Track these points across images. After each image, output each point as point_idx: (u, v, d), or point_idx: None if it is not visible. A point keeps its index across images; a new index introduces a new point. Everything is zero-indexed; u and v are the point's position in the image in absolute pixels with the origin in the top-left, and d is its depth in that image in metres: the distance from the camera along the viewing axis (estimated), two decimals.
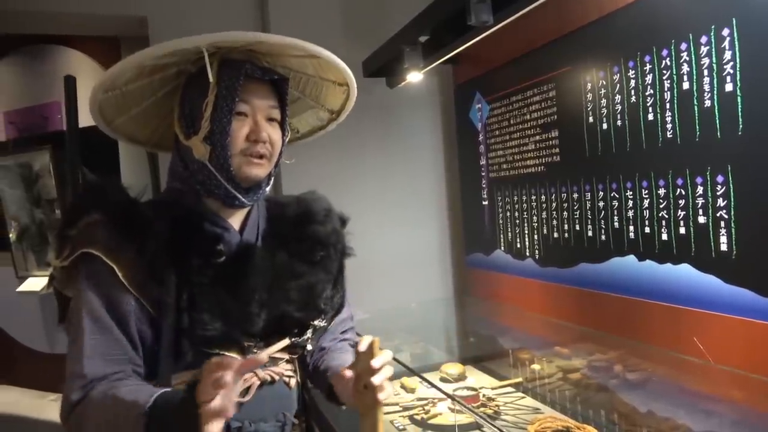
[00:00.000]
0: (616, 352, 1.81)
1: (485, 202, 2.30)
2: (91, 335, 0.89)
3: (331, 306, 1.11)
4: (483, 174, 2.30)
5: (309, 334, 1.06)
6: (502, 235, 2.21)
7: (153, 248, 0.92)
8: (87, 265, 0.91)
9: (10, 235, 3.83)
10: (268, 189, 1.07)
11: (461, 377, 2.13)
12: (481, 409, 1.82)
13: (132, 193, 1.00)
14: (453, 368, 2.15)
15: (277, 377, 1.04)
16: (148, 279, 0.91)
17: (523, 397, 1.95)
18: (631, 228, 1.57)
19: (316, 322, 1.07)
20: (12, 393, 3.96)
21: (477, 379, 2.13)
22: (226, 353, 0.95)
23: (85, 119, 3.40)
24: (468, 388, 1.95)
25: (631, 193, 1.56)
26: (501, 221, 2.21)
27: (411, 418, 1.83)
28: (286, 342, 1.02)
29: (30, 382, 3.97)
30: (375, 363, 0.91)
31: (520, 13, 1.45)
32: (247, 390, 0.99)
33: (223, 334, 0.94)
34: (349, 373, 0.95)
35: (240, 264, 0.99)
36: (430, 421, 1.79)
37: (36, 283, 3.67)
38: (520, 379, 2.05)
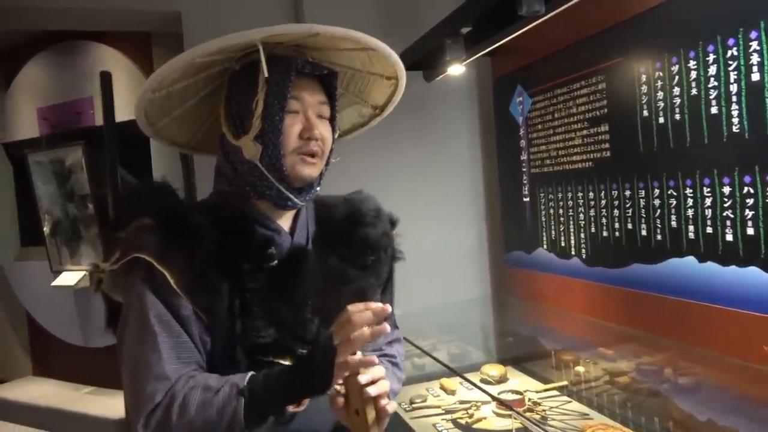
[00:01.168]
0: (665, 355, 1.74)
1: (526, 199, 2.23)
2: (163, 337, 0.87)
3: None
4: (524, 170, 2.22)
5: None
6: (544, 233, 2.14)
7: (203, 255, 0.89)
8: (141, 269, 0.89)
9: (44, 230, 3.88)
10: (319, 188, 1.03)
11: (503, 379, 2.07)
12: (527, 413, 1.76)
13: (181, 196, 0.98)
14: (494, 369, 2.10)
15: None
16: (199, 286, 0.88)
17: (569, 401, 1.88)
18: (691, 228, 1.49)
19: None
20: (47, 385, 4.03)
21: (519, 381, 2.07)
22: (281, 361, 0.93)
23: (117, 115, 3.40)
24: (513, 392, 1.90)
25: (690, 191, 1.48)
26: (543, 218, 2.13)
27: (454, 422, 1.78)
28: None
29: (65, 374, 4.03)
30: (362, 379, 0.84)
31: (574, 1, 1.38)
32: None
33: (276, 341, 0.92)
34: (340, 400, 0.88)
35: (292, 268, 0.97)
36: (475, 426, 1.74)
37: (70, 277, 3.72)
38: (565, 383, 1.98)
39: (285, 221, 1.02)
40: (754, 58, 1.28)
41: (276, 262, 0.95)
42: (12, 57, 3.99)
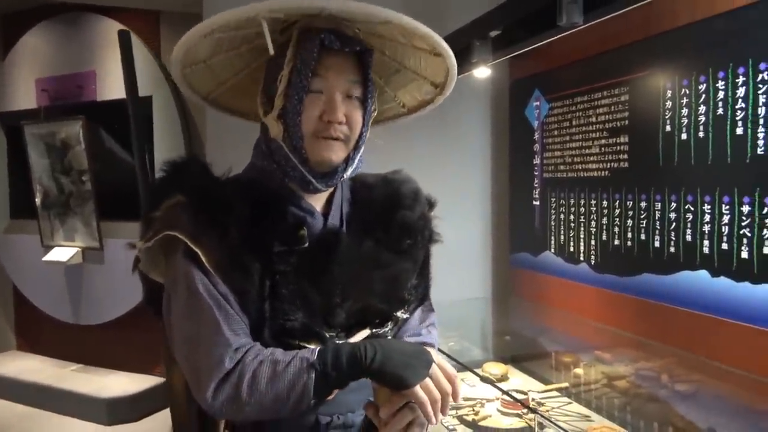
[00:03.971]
0: (664, 361, 1.79)
1: (536, 202, 2.26)
2: (216, 309, 0.87)
3: (415, 296, 1.07)
4: (536, 173, 2.26)
5: (390, 326, 1.02)
6: (553, 237, 2.18)
7: (236, 234, 0.88)
8: (181, 245, 0.88)
9: (36, 202, 3.82)
10: (348, 174, 0.99)
11: (504, 378, 2.12)
12: (531, 414, 1.80)
13: (216, 173, 0.96)
14: (496, 368, 2.14)
15: None
16: (231, 265, 0.88)
17: (570, 403, 1.93)
18: (706, 243, 1.54)
19: (398, 314, 1.03)
20: (32, 361, 3.98)
21: (521, 380, 2.12)
22: (307, 345, 0.92)
23: (117, 92, 3.35)
24: (517, 391, 1.94)
25: (708, 207, 1.52)
26: (553, 223, 2.17)
27: (460, 418, 1.82)
28: (366, 333, 0.98)
29: (50, 351, 3.99)
30: (382, 414, 0.87)
31: (612, 15, 1.40)
32: None
33: (304, 325, 0.91)
34: (372, 410, 0.91)
35: (324, 251, 0.95)
36: (481, 423, 1.78)
37: (62, 253, 3.67)
38: (565, 384, 2.04)
39: (318, 201, 1.00)
40: None
41: (307, 244, 0.93)
42: (10, 24, 3.90)
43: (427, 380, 0.84)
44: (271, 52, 0.88)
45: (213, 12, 0.87)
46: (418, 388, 0.83)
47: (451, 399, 0.86)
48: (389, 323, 1.01)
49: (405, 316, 1.04)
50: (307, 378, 0.83)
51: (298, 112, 0.89)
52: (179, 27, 3.13)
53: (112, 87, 3.39)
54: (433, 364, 0.86)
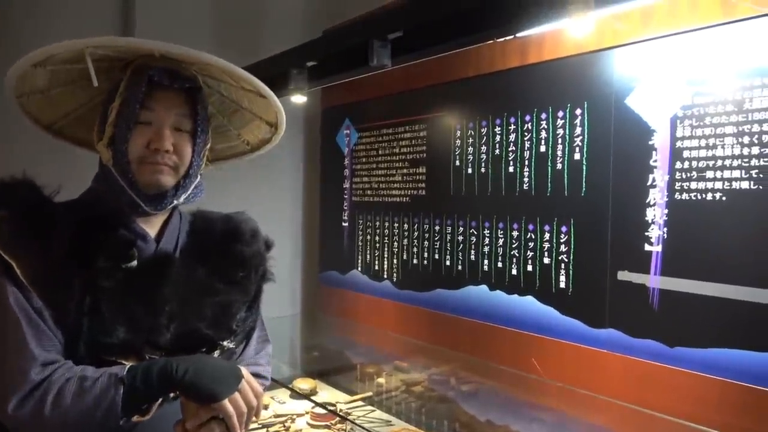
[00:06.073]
0: (452, 366, 2.06)
1: (345, 224, 2.41)
2: (25, 323, 0.88)
3: (242, 328, 1.11)
4: (346, 197, 2.41)
5: (216, 354, 1.05)
6: (360, 257, 2.34)
7: (56, 249, 0.91)
8: None
9: None
10: (180, 201, 1.04)
11: (313, 392, 2.20)
12: (340, 424, 1.91)
13: (47, 192, 0.97)
14: (305, 383, 2.21)
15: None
16: (48, 280, 0.90)
17: (373, 411, 2.09)
18: (486, 261, 1.81)
19: (225, 343, 1.06)
20: None
21: (329, 394, 2.22)
22: (124, 362, 0.93)
23: None
24: (327, 404, 2.03)
25: (488, 231, 1.81)
26: (360, 243, 2.34)
27: None
28: None
29: None
30: (188, 426, 0.91)
31: (416, 61, 1.60)
32: (148, 408, 0.95)
33: (124, 342, 0.93)
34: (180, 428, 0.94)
35: (154, 273, 0.98)
36: None
37: None
38: (369, 393, 2.19)
39: (152, 227, 1.04)
40: (543, 134, 1.64)
41: (135, 263, 0.97)
42: None
43: (236, 394, 0.89)
44: (95, 83, 0.95)
45: None
46: (226, 402, 0.88)
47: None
48: (215, 352, 1.04)
49: (231, 345, 1.08)
50: (114, 393, 0.85)
51: (126, 139, 0.95)
52: None
53: None
54: (243, 380, 0.92)
